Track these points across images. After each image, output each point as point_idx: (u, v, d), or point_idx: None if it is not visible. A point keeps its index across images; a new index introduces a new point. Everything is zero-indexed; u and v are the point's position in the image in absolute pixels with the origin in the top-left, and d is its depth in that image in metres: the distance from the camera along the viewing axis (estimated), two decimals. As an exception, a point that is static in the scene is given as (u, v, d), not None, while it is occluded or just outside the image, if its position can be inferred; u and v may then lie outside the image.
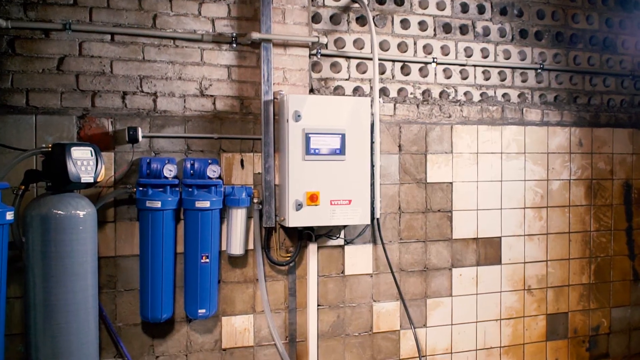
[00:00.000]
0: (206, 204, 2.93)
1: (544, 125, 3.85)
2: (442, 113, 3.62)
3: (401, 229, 3.50)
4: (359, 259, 3.42)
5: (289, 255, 3.26)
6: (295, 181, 3.01)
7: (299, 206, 3.01)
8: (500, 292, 3.73)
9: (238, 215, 3.05)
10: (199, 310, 2.96)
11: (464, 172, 3.64)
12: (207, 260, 2.96)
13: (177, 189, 2.97)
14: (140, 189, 2.90)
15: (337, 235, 3.35)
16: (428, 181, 3.56)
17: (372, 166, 3.37)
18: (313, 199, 3.02)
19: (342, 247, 3.39)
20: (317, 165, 3.05)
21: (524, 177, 3.79)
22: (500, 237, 3.73)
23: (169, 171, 2.94)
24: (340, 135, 3.09)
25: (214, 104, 3.17)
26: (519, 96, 3.82)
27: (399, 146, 3.51)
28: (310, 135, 3.03)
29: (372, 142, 3.36)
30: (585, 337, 3.98)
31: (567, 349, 3.92)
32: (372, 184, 3.36)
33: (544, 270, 3.84)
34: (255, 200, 3.13)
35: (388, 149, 3.48)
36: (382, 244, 3.41)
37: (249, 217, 3.16)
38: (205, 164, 3.03)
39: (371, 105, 3.39)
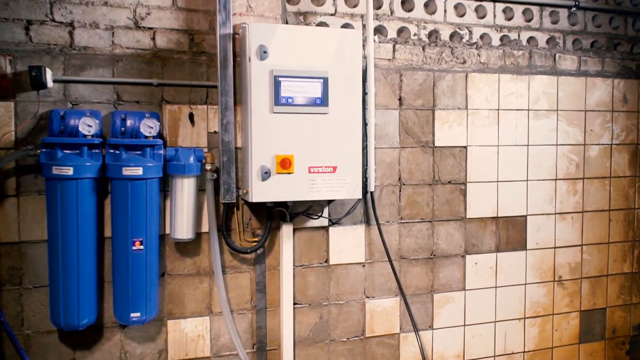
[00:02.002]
0: (137, 171, 2.15)
1: (582, 76, 3.07)
2: (454, 57, 2.83)
3: (402, 206, 2.74)
4: (347, 243, 2.66)
5: (256, 239, 2.50)
6: (261, 141, 2.24)
7: (265, 174, 2.24)
8: (525, 284, 2.99)
9: (184, 187, 2.28)
10: (132, 315, 2.20)
11: (482, 133, 2.86)
12: (141, 247, 2.19)
13: (100, 151, 2.19)
14: (46, 150, 2.12)
15: (319, 214, 2.59)
16: (436, 145, 2.79)
17: (365, 124, 2.60)
18: (285, 164, 2.25)
19: (325, 228, 2.63)
20: (290, 119, 2.27)
21: (555, 141, 3.01)
22: (525, 216, 2.97)
23: (88, 126, 2.16)
24: (322, 81, 2.30)
25: (153, 39, 2.37)
26: (547, 41, 3.03)
27: (400, 99, 2.73)
28: (280, 78, 2.24)
29: (364, 93, 2.58)
30: (625, 338, 3.25)
31: (604, 352, 3.20)
32: (365, 148, 2.59)
33: (578, 256, 3.09)
34: (208, 167, 2.35)
35: (385, 103, 2.70)
36: (378, 224, 2.65)
37: (200, 189, 2.39)
38: (141, 118, 2.25)
39: (363, 45, 2.60)
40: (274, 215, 2.51)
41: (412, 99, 2.74)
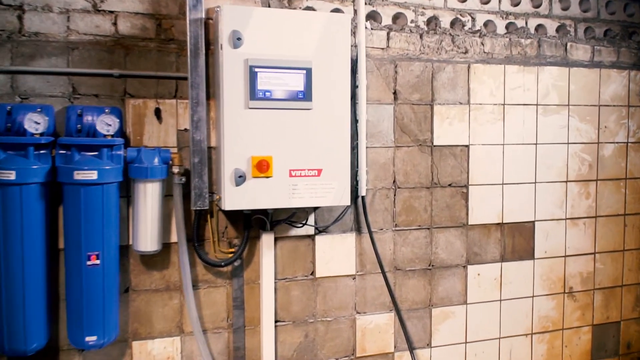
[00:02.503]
0: (91, 175, 1.87)
1: (595, 67, 2.79)
2: (455, 47, 2.55)
3: (397, 212, 2.47)
4: (336, 254, 2.39)
5: (233, 250, 2.23)
6: (234, 140, 1.97)
7: (239, 179, 1.96)
8: (533, 296, 2.72)
9: (148, 193, 2.00)
10: (87, 338, 1.93)
11: (486, 131, 2.59)
12: (98, 261, 1.91)
13: (50, 151, 1.92)
14: (-15, 151, 1.84)
15: (304, 222, 2.31)
16: (435, 143, 2.51)
17: (355, 121, 2.33)
18: (262, 167, 1.97)
19: (311, 237, 2.36)
20: (268, 116, 1.99)
21: (566, 139, 2.74)
22: (533, 222, 2.70)
23: (35, 124, 1.88)
24: (304, 72, 2.02)
25: (114, 24, 2.09)
26: (557, 30, 2.75)
27: (395, 93, 2.45)
28: (256, 69, 1.97)
29: (354, 86, 2.31)
30: (641, 354, 2.99)
31: (618, 369, 2.93)
32: (355, 148, 2.32)
33: (590, 265, 2.82)
34: (175, 170, 2.07)
35: (378, 97, 2.42)
36: (370, 232, 2.38)
37: (168, 194, 2.11)
38: (100, 114, 1.97)
39: (354, 32, 2.32)
40: (253, 223, 2.23)
41: (409, 93, 2.46)
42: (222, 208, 1.99)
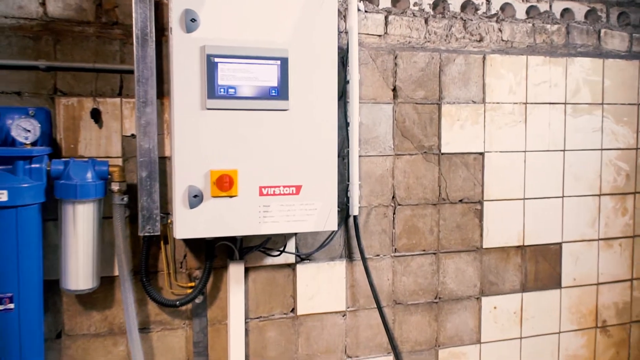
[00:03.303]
0: (0, 197, 1.45)
1: (634, 59, 2.34)
2: (467, 33, 2.12)
3: (397, 234, 2.04)
4: (322, 286, 1.97)
5: (192, 285, 1.80)
6: (188, 150, 1.54)
7: (195, 199, 1.54)
8: (559, 332, 2.28)
9: (78, 217, 1.58)
10: (-1, 403, 1.51)
11: (504, 135, 2.15)
12: (11, 305, 1.50)
13: (-50, 165, 1.50)
14: None
15: (281, 248, 1.89)
16: (443, 151, 2.08)
17: (346, 124, 1.90)
18: (224, 184, 1.55)
19: (291, 267, 1.93)
20: (231, 119, 1.57)
21: (600, 144, 2.30)
22: (559, 244, 2.26)
23: None
24: (279, 62, 1.59)
25: (43, 4, 1.67)
26: (586, 15, 2.31)
27: (394, 90, 2.01)
28: (216, 59, 1.54)
29: (344, 82, 1.89)
30: (684, 395, 2.54)
31: (657, 414, 2.49)
32: (345, 157, 1.89)
33: (627, 294, 2.38)
34: (115, 188, 1.64)
35: (374, 95, 1.99)
36: (363, 259, 1.95)
37: (105, 217, 1.69)
38: (20, 116, 1.55)
39: (344, 16, 1.89)
40: (217, 251, 1.81)
41: (411, 90, 2.03)
42: (174, 236, 1.56)
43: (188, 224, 1.55)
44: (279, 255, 1.87)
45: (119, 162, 1.72)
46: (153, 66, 1.67)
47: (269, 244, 1.85)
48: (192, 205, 1.54)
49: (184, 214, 1.55)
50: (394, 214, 2.03)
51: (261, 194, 1.60)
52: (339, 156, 1.88)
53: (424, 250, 2.08)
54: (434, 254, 2.09)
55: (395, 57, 2.01)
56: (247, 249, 1.82)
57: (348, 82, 1.89)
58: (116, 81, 1.72)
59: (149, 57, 1.66)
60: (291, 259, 1.92)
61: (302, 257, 1.93)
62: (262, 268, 1.89)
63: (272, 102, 1.59)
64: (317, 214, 1.66)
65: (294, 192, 1.63)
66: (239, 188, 1.57)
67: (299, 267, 1.93)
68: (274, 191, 1.61)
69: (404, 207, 2.04)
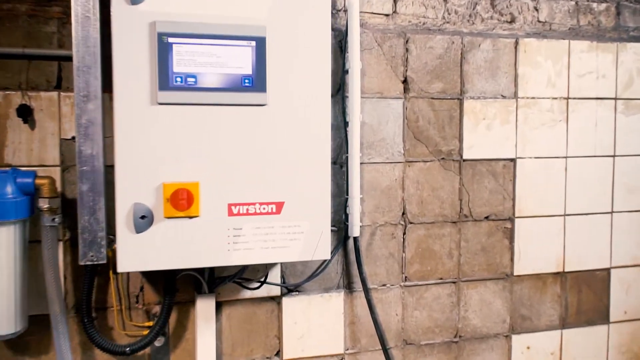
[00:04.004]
0: None
1: (699, 45, 1.93)
2: (495, 13, 1.73)
3: (407, 258, 1.66)
4: (314, 324, 1.59)
5: (150, 324, 1.44)
6: (134, 156, 1.18)
7: (142, 220, 1.18)
8: (606, 377, 1.88)
9: (-5, 243, 1.23)
10: None
11: (541, 137, 1.76)
12: None
13: None
14: None
15: (261, 279, 1.51)
16: (465, 157, 1.69)
17: (345, 124, 1.53)
18: (180, 201, 1.19)
19: (276, 300, 1.56)
20: (191, 116, 1.21)
21: (657, 149, 1.90)
22: (608, 270, 1.86)
23: None
24: (254, 44, 1.23)
25: (-41, -27, 1.32)
26: (638, -7, 1.91)
27: (405, 82, 1.63)
28: (171, 39, 1.18)
29: (342, 71, 1.52)
30: None
31: None
32: (344, 164, 1.52)
33: (688, 330, 1.98)
34: (44, 206, 1.29)
35: (380, 88, 1.61)
36: (366, 290, 1.58)
37: (33, 240, 1.34)
38: None
39: (341, -12, 1.52)
40: (180, 283, 1.45)
41: (426, 82, 1.65)
42: (117, 270, 1.20)
43: (134, 253, 1.19)
44: (259, 287, 1.50)
45: (57, 171, 1.37)
46: (97, 51, 1.31)
47: (247, 273, 1.48)
48: (139, 229, 1.19)
49: (129, 240, 1.19)
50: (404, 234, 1.65)
51: (231, 213, 1.24)
52: (335, 163, 1.52)
53: (441, 279, 1.69)
54: (454, 282, 1.71)
55: (407, 42, 1.63)
56: (219, 279, 1.46)
57: (347, 71, 1.52)
58: (53, 70, 1.37)
59: (92, 38, 1.30)
60: (275, 290, 1.55)
61: (289, 289, 1.56)
62: (239, 302, 1.53)
63: (245, 95, 1.23)
64: (305, 239, 1.29)
65: (274, 210, 1.26)
66: (202, 206, 1.21)
67: (285, 300, 1.56)
68: (247, 209, 1.24)
69: (416, 226, 1.66)
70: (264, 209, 1.25)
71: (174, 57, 1.19)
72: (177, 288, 1.42)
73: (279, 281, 1.54)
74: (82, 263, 1.30)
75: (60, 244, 1.39)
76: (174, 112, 1.19)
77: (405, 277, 1.66)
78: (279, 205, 1.27)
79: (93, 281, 1.38)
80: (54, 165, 1.37)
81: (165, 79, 1.18)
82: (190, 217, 1.21)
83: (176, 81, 1.19)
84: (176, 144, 1.20)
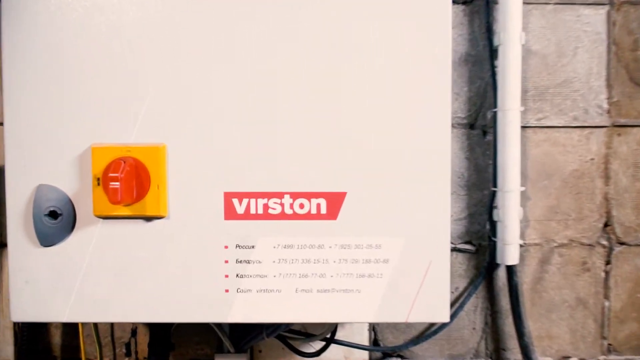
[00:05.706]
0: None
1: None
2: None
3: (614, 310, 0.86)
4: (429, 419, 0.88)
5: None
6: (34, 95, 0.59)
7: (50, 220, 0.58)
8: None
9: None
10: None
11: None
12: None
13: None
14: None
15: (326, 334, 0.83)
16: None
17: (491, 53, 0.79)
18: (127, 184, 0.56)
19: (359, 372, 0.88)
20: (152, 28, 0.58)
21: None
22: None
23: None
24: None
25: None
26: None
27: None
28: None
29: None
30: None
31: None
32: (490, 129, 0.79)
33: None
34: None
35: (562, -16, 0.85)
36: (530, 370, 0.82)
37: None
38: None
39: None
40: (182, 331, 0.83)
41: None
42: (10, 318, 0.62)
43: (37, 287, 0.60)
44: (319, 353, 0.82)
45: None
46: None
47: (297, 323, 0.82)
48: (46, 239, 0.59)
49: (29, 259, 0.60)
50: (607, 263, 0.86)
51: (230, 212, 0.59)
52: (472, 127, 0.81)
53: (684, 354, 0.87)
54: None
55: None
56: (251, 329, 0.82)
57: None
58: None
59: None
60: (357, 355, 0.87)
61: (385, 353, 0.86)
62: (293, 371, 0.87)
63: None
64: (392, 275, 0.59)
65: (323, 211, 0.59)
66: (170, 198, 0.58)
67: (375, 375, 0.87)
68: (264, 206, 0.59)
69: (631, 249, 0.86)
70: (300, 206, 0.59)
71: None
72: (171, 343, 0.80)
73: (364, 339, 0.85)
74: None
75: None
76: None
77: (609, 345, 0.87)
78: (335, 201, 0.59)
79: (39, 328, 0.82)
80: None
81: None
82: (148, 218, 0.58)
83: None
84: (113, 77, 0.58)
